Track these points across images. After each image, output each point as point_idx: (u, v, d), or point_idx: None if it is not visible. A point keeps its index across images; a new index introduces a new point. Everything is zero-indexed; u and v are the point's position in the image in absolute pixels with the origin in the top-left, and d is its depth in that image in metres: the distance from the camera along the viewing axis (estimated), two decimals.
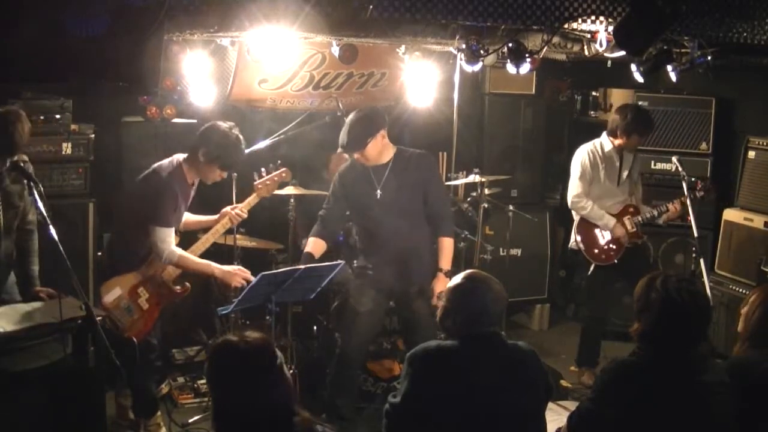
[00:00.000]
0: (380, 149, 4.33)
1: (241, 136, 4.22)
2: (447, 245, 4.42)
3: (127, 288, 4.15)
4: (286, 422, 2.30)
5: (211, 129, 4.20)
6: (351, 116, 4.36)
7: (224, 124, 4.21)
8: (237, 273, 4.25)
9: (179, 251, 4.16)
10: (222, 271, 4.24)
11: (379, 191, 4.36)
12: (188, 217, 4.53)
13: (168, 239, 4.11)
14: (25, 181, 3.78)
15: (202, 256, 4.36)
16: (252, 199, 4.56)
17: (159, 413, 4.45)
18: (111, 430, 4.40)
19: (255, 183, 4.61)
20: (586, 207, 5.24)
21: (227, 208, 4.49)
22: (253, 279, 4.03)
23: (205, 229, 4.50)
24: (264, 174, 4.64)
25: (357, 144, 4.26)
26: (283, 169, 4.68)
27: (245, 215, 4.50)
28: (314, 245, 4.47)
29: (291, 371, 4.56)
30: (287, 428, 2.29)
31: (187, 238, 4.47)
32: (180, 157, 4.24)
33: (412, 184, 4.37)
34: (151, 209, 4.08)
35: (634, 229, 5.28)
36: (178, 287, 4.34)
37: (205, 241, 4.40)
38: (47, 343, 3.44)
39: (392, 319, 5.23)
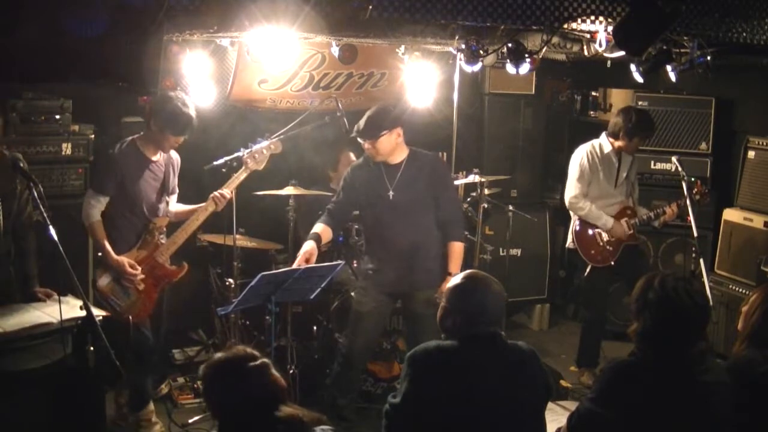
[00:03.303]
0: (394, 146, 4.32)
1: (187, 100, 4.25)
2: (457, 250, 4.39)
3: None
4: (268, 416, 2.38)
5: (158, 99, 4.31)
6: (374, 107, 4.37)
7: (171, 94, 4.27)
8: (127, 269, 4.20)
9: (97, 219, 4.20)
10: (114, 259, 4.20)
11: (391, 192, 4.33)
12: (179, 207, 4.56)
13: (94, 203, 4.20)
14: (19, 181, 3.79)
15: (187, 246, 4.49)
16: (240, 174, 4.48)
17: (151, 406, 4.44)
18: (111, 430, 4.40)
19: (243, 157, 4.50)
20: (584, 208, 5.23)
21: (214, 193, 4.45)
22: (135, 277, 4.19)
23: None
24: (251, 147, 4.55)
25: (371, 133, 4.24)
26: (273, 139, 4.59)
27: (228, 195, 4.43)
28: (321, 230, 4.37)
29: (291, 371, 4.57)
30: (270, 422, 2.37)
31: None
32: (135, 135, 4.37)
33: (424, 187, 4.35)
34: (92, 175, 4.37)
35: (631, 231, 5.27)
36: (173, 267, 4.36)
37: (186, 228, 4.39)
38: (47, 343, 3.45)
39: (392, 319, 5.22)
